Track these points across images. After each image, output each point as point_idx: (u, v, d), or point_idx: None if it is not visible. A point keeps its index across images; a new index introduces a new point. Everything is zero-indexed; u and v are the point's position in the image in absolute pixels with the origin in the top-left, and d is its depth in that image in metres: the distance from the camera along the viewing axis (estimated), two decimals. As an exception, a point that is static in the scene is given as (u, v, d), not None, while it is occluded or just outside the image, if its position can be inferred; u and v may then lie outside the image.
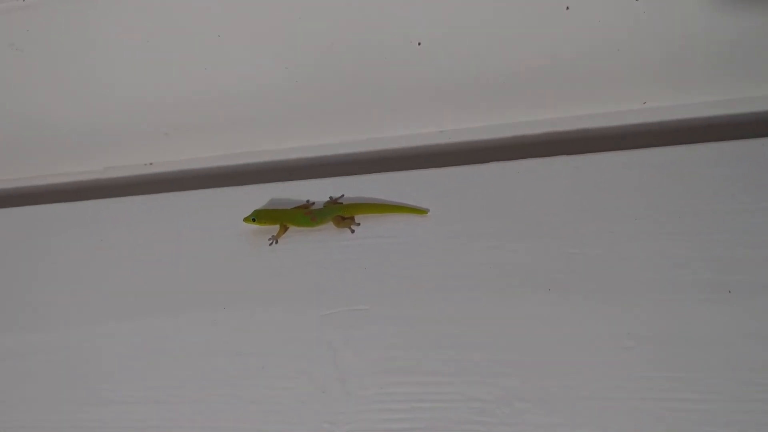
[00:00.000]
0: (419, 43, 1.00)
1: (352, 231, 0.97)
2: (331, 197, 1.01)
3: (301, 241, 0.98)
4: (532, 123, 1.07)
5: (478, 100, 1.07)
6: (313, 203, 1.02)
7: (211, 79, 1.08)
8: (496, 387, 0.78)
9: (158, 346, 0.91)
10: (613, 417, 0.74)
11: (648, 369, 0.76)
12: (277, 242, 0.98)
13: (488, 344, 0.81)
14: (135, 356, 0.91)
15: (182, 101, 1.11)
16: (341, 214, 0.97)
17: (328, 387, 0.82)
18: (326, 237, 0.97)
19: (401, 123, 1.10)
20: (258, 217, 0.98)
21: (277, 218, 0.98)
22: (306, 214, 0.98)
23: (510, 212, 0.93)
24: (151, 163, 1.23)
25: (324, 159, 1.14)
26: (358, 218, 0.97)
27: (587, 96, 1.05)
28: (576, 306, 0.82)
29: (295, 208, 1.01)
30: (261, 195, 1.05)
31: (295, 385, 0.83)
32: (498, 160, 0.99)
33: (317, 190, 1.03)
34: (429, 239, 0.93)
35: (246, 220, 0.98)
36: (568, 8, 0.95)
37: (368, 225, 0.97)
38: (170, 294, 0.96)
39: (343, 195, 1.01)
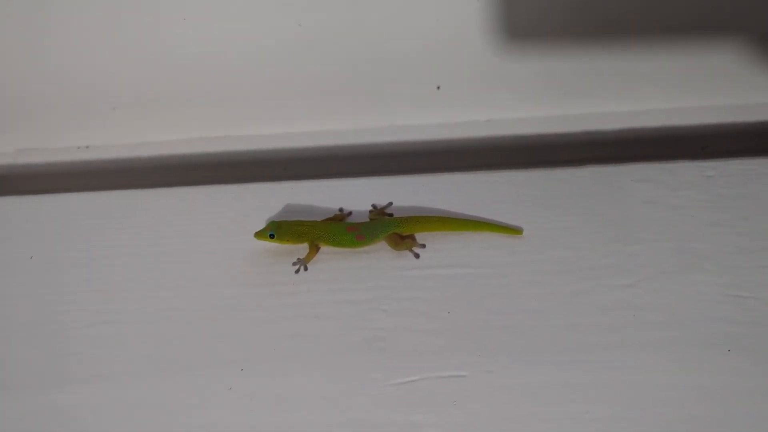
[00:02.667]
0: None
1: (417, 255, 0.69)
2: (374, 206, 0.73)
3: (342, 267, 0.69)
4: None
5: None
6: (350, 213, 0.73)
7: (192, 33, 0.82)
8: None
9: None
10: None
11: None
12: (306, 269, 0.68)
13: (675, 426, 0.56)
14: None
15: (145, 64, 0.85)
16: (399, 231, 0.69)
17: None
18: (378, 264, 0.69)
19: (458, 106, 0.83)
20: (278, 231, 0.68)
21: (306, 234, 0.69)
22: (349, 230, 0.69)
23: (636, 235, 0.69)
24: (87, 147, 0.89)
25: (351, 149, 0.85)
26: (418, 237, 0.69)
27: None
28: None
29: (327, 220, 0.71)
30: (266, 197, 0.76)
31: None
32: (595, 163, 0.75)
33: (348, 195, 0.76)
34: (531, 272, 0.67)
35: (259, 235, 0.68)
36: None
37: (436, 247, 0.70)
38: (139, 357, 0.64)
39: (390, 203, 0.73)
